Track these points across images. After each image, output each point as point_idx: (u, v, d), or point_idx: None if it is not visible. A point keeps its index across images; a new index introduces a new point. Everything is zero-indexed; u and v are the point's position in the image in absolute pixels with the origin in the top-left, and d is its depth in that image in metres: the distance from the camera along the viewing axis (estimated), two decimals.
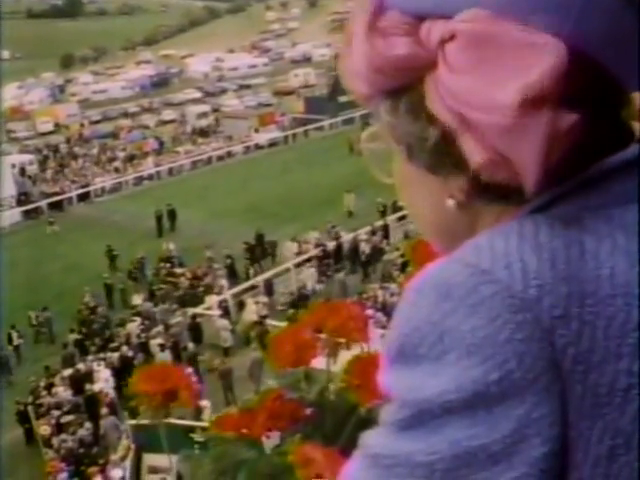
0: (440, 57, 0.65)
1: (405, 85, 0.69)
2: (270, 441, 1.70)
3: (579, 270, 0.62)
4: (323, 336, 1.70)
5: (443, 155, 0.68)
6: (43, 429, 17.37)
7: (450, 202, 0.71)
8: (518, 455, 0.60)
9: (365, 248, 25.28)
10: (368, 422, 1.68)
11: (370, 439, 0.66)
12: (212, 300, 23.25)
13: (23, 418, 18.17)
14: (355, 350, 1.70)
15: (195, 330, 21.11)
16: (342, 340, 1.66)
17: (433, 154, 0.69)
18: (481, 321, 0.61)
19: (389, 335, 0.65)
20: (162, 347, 19.98)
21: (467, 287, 0.62)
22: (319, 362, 1.78)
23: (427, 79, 0.66)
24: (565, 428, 0.61)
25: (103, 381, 18.33)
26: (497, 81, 0.62)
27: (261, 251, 26.34)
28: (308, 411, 1.63)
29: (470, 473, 0.61)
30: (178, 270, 25.43)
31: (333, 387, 1.66)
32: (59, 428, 17.29)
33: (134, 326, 21.30)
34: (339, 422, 1.63)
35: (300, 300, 21.97)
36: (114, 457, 15.44)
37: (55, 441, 16.98)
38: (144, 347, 20.28)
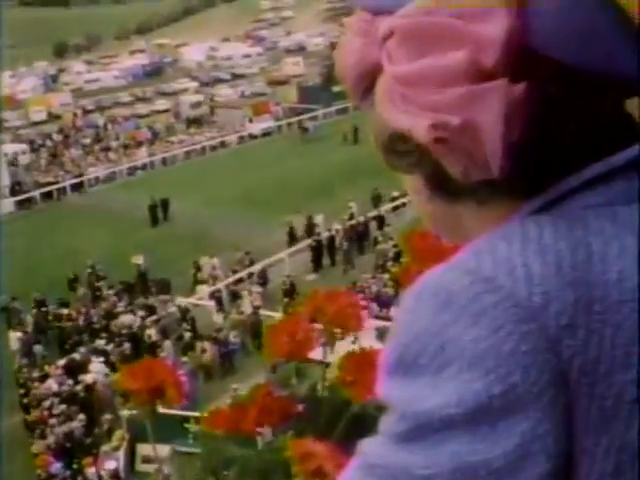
0: (384, 54, 0.64)
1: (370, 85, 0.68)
2: (262, 437, 1.68)
3: (586, 274, 0.59)
4: (319, 326, 1.68)
5: (396, 153, 0.67)
6: (34, 417, 17.44)
7: (416, 198, 0.71)
8: (521, 472, 0.57)
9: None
10: (361, 418, 1.66)
11: (368, 448, 0.63)
12: (203, 290, 23.26)
13: (25, 404, 18.30)
14: (349, 344, 1.69)
15: (189, 320, 21.16)
16: (339, 330, 1.64)
17: (389, 152, 0.67)
18: (483, 332, 0.58)
19: (388, 343, 0.63)
20: (164, 336, 20.07)
21: (468, 296, 0.59)
22: (315, 353, 1.76)
23: (379, 79, 0.65)
24: (570, 443, 0.58)
25: (95, 372, 18.36)
26: (440, 60, 0.61)
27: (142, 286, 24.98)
28: (299, 407, 1.62)
29: None
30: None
31: (326, 383, 1.64)
32: (51, 418, 17.31)
33: (128, 317, 21.32)
34: (332, 418, 1.61)
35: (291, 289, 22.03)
36: (105, 448, 15.46)
37: (48, 432, 17.01)
38: (137, 337, 20.32)
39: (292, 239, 26.58)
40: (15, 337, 21.27)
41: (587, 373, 0.58)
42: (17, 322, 22.47)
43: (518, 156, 0.62)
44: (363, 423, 1.54)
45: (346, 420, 1.59)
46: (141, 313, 21.61)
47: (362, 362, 1.59)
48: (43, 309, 22.71)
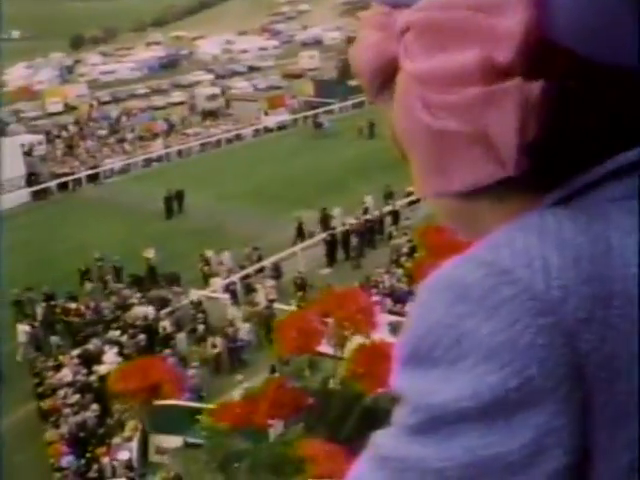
0: (401, 48, 0.64)
1: (387, 80, 0.68)
2: (274, 430, 1.68)
3: (605, 268, 0.58)
4: (330, 321, 1.68)
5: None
6: (47, 405, 17.56)
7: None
8: (537, 466, 0.57)
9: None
10: (373, 411, 1.65)
11: (380, 440, 0.63)
12: (217, 283, 23.26)
13: (39, 393, 18.42)
14: (360, 338, 1.68)
15: (202, 313, 21.24)
16: (349, 332, 1.63)
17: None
18: (500, 324, 0.57)
19: (402, 335, 0.62)
20: (178, 328, 20.14)
21: (485, 288, 0.58)
22: (327, 347, 1.76)
23: (399, 75, 0.65)
24: (586, 438, 0.58)
25: (109, 363, 18.44)
26: (455, 58, 0.61)
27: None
28: (311, 400, 1.61)
29: None
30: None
31: (337, 376, 1.64)
32: (65, 408, 17.41)
33: (142, 309, 21.39)
34: (343, 411, 1.60)
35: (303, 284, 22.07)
36: (118, 439, 15.53)
37: (61, 421, 17.11)
38: (151, 329, 20.42)
39: (300, 235, 26.50)
40: (23, 330, 21.26)
41: (604, 368, 0.57)
42: (25, 315, 22.34)
43: (535, 152, 0.62)
44: (375, 416, 1.54)
45: (357, 413, 1.58)
46: (154, 306, 21.68)
47: (373, 354, 1.58)
48: (52, 303, 22.66)
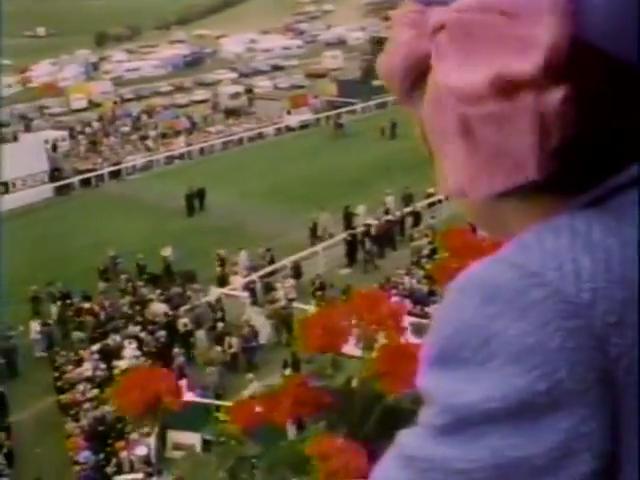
0: (433, 48, 0.64)
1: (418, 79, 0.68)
2: (290, 430, 1.68)
3: (634, 272, 0.58)
4: (357, 322, 1.67)
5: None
6: (67, 399, 17.67)
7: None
8: (564, 470, 0.56)
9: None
10: (394, 411, 1.65)
11: (406, 439, 0.63)
12: (237, 281, 23.25)
13: (59, 387, 18.54)
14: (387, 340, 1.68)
15: (221, 310, 21.30)
16: (379, 335, 1.63)
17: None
18: (530, 327, 0.57)
19: (429, 335, 0.62)
20: (197, 326, 20.19)
21: (515, 290, 0.58)
22: (350, 348, 1.75)
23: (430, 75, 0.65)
24: (613, 443, 0.57)
25: (129, 358, 18.53)
26: (471, 69, 0.61)
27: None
28: (333, 398, 1.61)
29: None
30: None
31: (359, 375, 1.63)
32: (85, 403, 17.52)
33: (161, 306, 21.45)
34: (365, 411, 1.60)
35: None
36: (135, 435, 15.59)
37: (81, 415, 17.22)
38: (171, 325, 20.49)
39: (314, 236, 26.41)
40: (35, 328, 21.16)
41: (633, 373, 0.56)
42: (36, 313, 22.17)
43: (561, 155, 0.61)
44: (396, 416, 1.53)
45: (378, 413, 1.58)
46: (172, 303, 21.72)
47: (396, 354, 1.58)
48: (68, 301, 22.59)
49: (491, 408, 0.57)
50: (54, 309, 22.31)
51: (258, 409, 1.70)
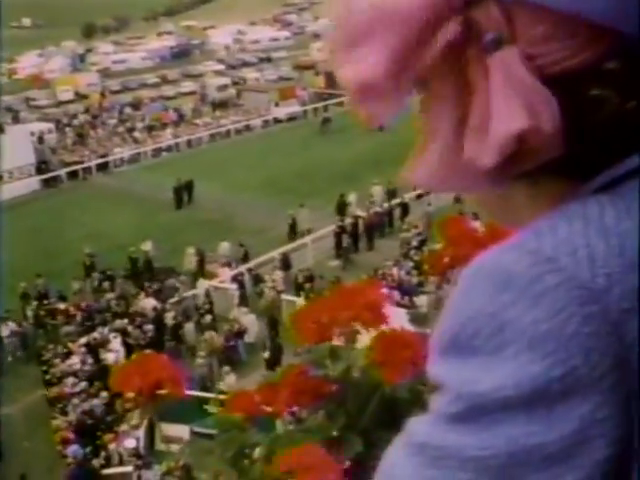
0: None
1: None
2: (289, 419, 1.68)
3: None
4: (338, 318, 1.67)
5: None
6: (54, 392, 17.61)
7: None
8: (579, 457, 0.56)
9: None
10: (392, 400, 1.65)
11: (416, 427, 0.62)
12: (225, 273, 23.18)
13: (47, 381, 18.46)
14: (372, 331, 1.68)
15: (209, 303, 21.25)
16: (357, 328, 1.63)
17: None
18: (544, 313, 0.56)
19: (441, 323, 0.61)
20: (187, 318, 20.11)
21: (529, 276, 0.57)
22: (339, 341, 1.76)
23: None
24: (631, 431, 0.57)
25: (116, 351, 18.47)
26: None
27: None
28: (332, 388, 1.61)
29: (526, 473, 0.57)
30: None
31: (357, 364, 1.64)
32: (73, 397, 17.47)
33: (150, 300, 21.35)
34: (363, 400, 1.61)
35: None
36: (124, 427, 15.56)
37: (69, 408, 17.17)
38: (160, 319, 20.42)
39: (293, 233, 26.22)
40: (8, 329, 20.56)
41: None
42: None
43: (572, 137, 0.61)
44: (394, 406, 1.54)
45: (376, 402, 1.58)
46: (158, 297, 21.62)
47: (393, 343, 1.58)
48: (44, 302, 22.14)
49: (505, 396, 0.57)
50: (29, 312, 21.85)
51: (256, 399, 1.70)
